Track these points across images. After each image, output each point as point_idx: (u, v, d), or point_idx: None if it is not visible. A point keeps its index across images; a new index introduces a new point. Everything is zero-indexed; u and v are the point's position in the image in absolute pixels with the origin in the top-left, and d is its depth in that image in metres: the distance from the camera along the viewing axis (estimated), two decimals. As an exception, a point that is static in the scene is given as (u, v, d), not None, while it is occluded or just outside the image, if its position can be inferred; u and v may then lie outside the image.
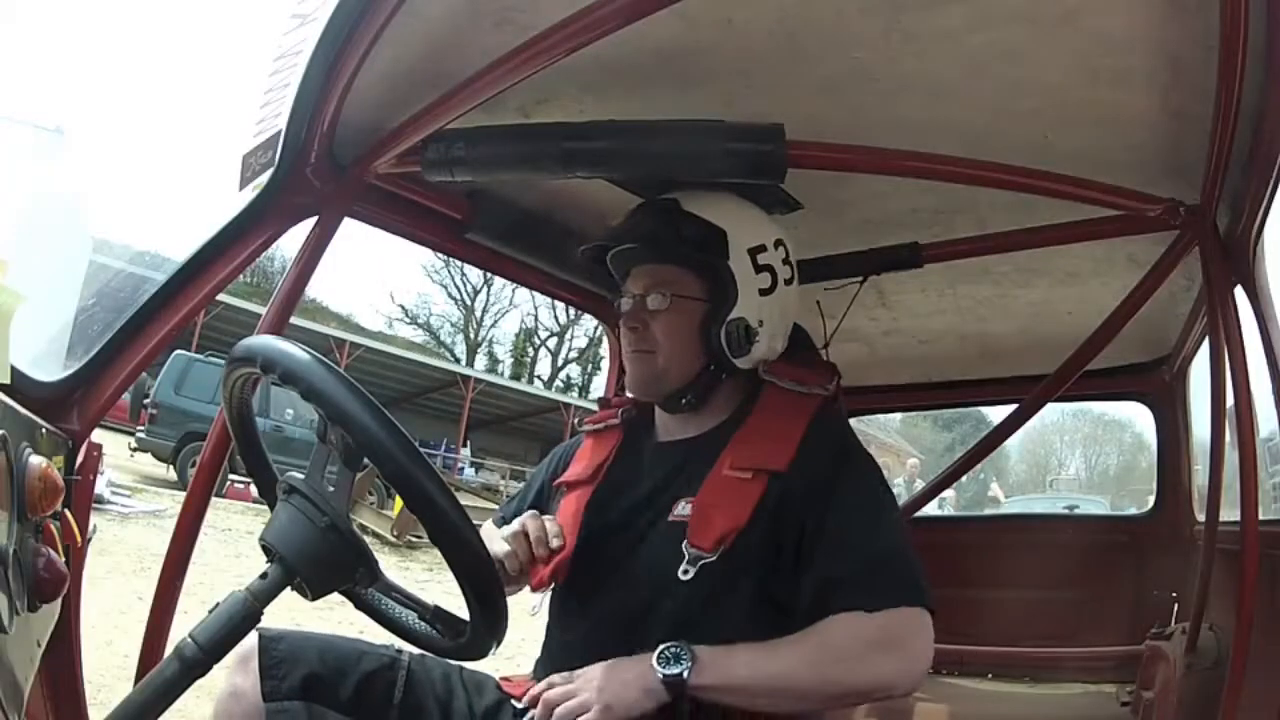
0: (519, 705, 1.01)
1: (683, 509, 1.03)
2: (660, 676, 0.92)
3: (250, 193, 1.14)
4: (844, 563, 0.95)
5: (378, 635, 0.99)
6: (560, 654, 1.06)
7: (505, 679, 1.08)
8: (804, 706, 0.95)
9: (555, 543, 1.05)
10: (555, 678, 0.98)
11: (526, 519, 1.08)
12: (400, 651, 1.02)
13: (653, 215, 1.15)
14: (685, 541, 0.99)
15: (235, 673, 0.96)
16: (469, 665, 1.02)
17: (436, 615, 0.90)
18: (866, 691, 0.99)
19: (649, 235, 1.13)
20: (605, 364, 3.29)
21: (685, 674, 0.91)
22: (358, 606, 0.89)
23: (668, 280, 1.11)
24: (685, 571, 0.98)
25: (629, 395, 1.20)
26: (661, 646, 0.94)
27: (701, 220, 1.10)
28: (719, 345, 1.08)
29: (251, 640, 0.96)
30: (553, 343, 28.05)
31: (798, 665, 0.93)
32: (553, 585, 1.07)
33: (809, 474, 1.00)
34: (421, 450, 0.78)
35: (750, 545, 0.98)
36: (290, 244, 1.25)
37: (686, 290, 1.10)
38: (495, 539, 1.07)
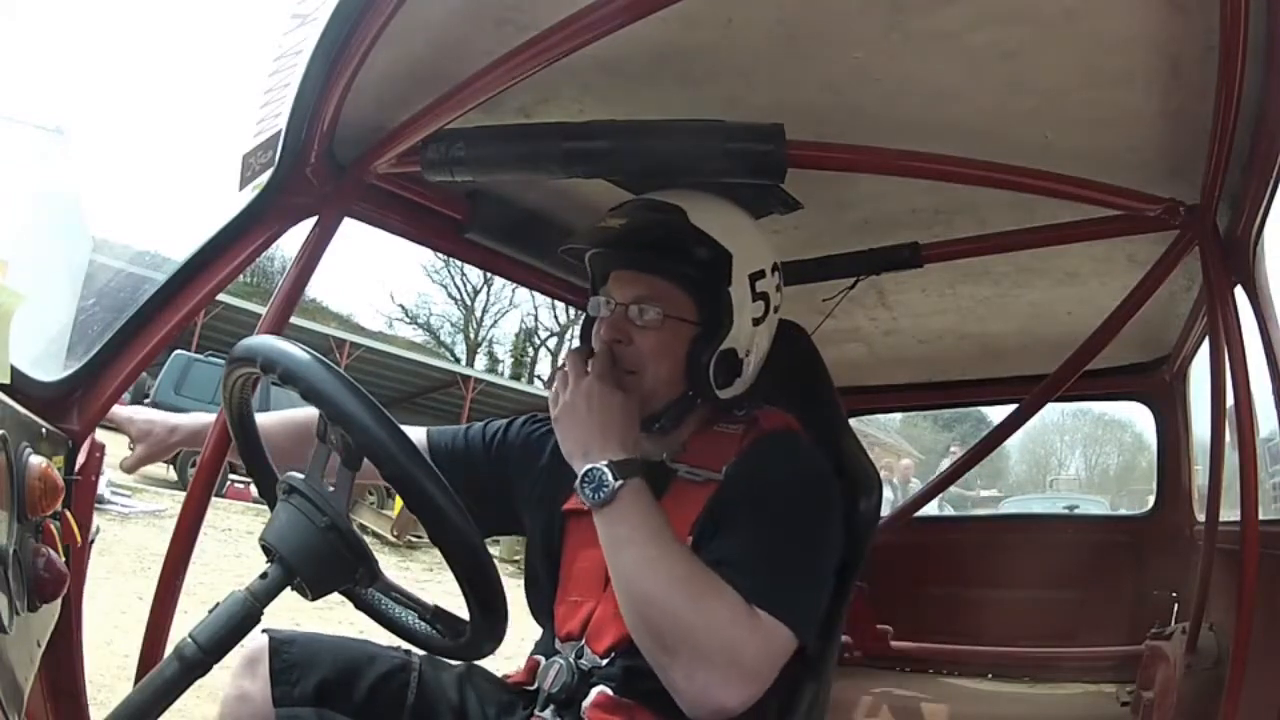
0: None
1: None
2: (586, 495, 0.93)
3: (250, 193, 1.14)
4: (743, 555, 0.91)
5: (378, 635, 0.99)
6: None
7: (507, 676, 1.08)
8: (640, 616, 0.89)
9: None
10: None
11: None
12: (410, 653, 1.01)
13: (655, 221, 1.04)
14: None
15: (242, 676, 0.95)
16: (481, 666, 1.01)
17: (436, 615, 0.90)
18: (687, 650, 0.86)
19: (652, 243, 1.03)
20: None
21: (599, 505, 0.92)
22: (358, 606, 0.89)
23: (661, 296, 1.02)
24: None
25: None
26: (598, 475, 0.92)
27: (709, 238, 1.01)
28: (705, 375, 1.01)
29: (260, 642, 0.95)
30: (553, 343, 28.00)
31: (669, 573, 0.88)
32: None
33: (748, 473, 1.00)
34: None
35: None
36: (290, 244, 1.26)
37: (680, 311, 1.02)
38: None
